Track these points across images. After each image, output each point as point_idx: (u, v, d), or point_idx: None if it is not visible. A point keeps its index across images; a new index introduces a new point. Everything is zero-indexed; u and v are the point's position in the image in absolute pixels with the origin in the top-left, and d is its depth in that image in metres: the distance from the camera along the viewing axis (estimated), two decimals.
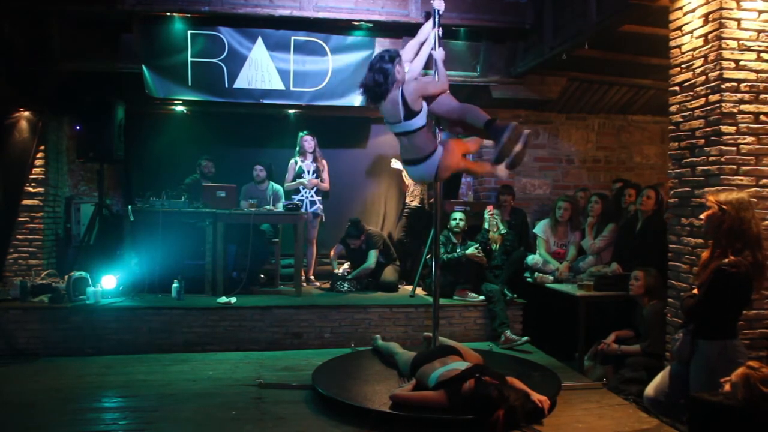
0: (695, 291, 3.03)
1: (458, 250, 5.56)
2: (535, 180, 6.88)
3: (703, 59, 3.60)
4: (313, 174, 6.41)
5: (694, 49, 3.68)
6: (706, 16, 3.57)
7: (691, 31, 3.70)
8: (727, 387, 2.54)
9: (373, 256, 6.12)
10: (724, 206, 2.85)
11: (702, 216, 3.04)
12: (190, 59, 5.66)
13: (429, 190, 6.36)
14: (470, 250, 5.48)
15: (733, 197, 2.88)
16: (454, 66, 6.03)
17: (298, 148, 6.47)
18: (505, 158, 3.53)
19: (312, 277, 6.49)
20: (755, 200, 3.40)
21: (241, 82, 5.78)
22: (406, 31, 5.78)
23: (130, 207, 5.51)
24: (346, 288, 5.91)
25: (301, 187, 6.39)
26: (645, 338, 4.37)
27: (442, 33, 4.08)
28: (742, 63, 3.47)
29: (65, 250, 6.48)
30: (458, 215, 5.72)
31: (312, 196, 6.41)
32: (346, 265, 6.48)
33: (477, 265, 5.48)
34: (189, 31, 5.61)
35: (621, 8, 4.25)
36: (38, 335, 4.84)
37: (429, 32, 3.99)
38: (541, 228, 5.90)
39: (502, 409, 3.02)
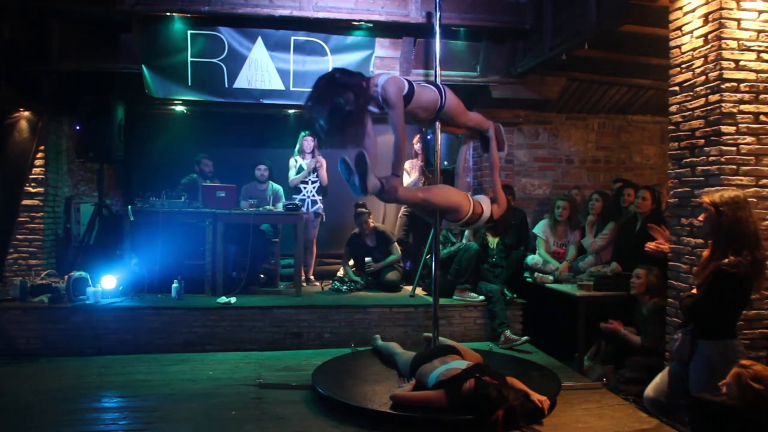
0: (694, 291, 3.03)
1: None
2: (535, 180, 6.88)
3: (703, 59, 3.60)
4: (313, 173, 6.43)
5: (694, 49, 3.68)
6: (706, 16, 3.57)
7: (691, 31, 3.70)
8: (724, 389, 2.54)
9: (396, 250, 6.23)
10: (721, 208, 2.85)
11: (700, 218, 3.04)
12: (190, 59, 5.66)
13: None
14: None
15: (728, 197, 2.87)
16: (454, 66, 6.04)
17: (298, 147, 6.48)
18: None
19: (312, 277, 6.50)
20: (755, 200, 3.41)
21: (241, 82, 5.78)
22: (405, 31, 5.79)
23: (129, 207, 5.50)
24: (345, 288, 5.92)
25: (302, 186, 6.40)
26: (646, 336, 4.36)
27: (441, 33, 4.11)
28: (742, 63, 3.47)
29: (65, 250, 6.47)
30: None
31: (313, 196, 6.42)
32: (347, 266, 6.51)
33: (474, 260, 5.46)
34: (189, 31, 5.60)
35: (621, 8, 4.25)
36: (38, 335, 4.84)
37: None
38: (540, 228, 5.90)
39: (502, 409, 3.02)
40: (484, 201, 3.92)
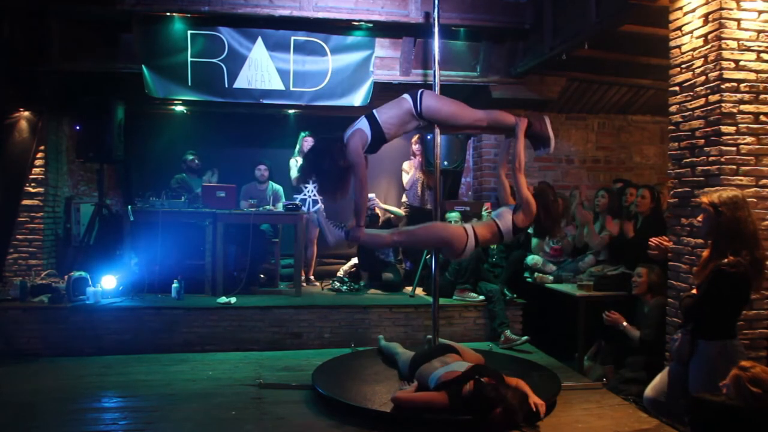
0: (694, 291, 3.04)
1: None
2: (535, 180, 6.79)
3: (703, 59, 3.61)
4: None
5: (694, 49, 3.68)
6: (706, 16, 3.57)
7: (691, 31, 3.70)
8: (724, 390, 2.54)
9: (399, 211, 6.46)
10: (720, 208, 2.85)
11: (699, 218, 3.04)
12: (189, 59, 5.67)
13: (428, 190, 6.37)
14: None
15: (726, 197, 2.87)
16: (453, 66, 6.05)
17: (298, 147, 6.49)
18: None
19: (312, 277, 6.50)
20: (755, 200, 3.41)
21: (241, 82, 5.78)
22: (405, 31, 5.80)
23: (129, 207, 5.50)
24: (345, 288, 5.92)
25: (302, 186, 6.40)
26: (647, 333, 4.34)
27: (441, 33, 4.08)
28: (742, 63, 3.48)
29: (65, 250, 6.47)
30: (454, 215, 5.69)
31: (314, 196, 6.42)
32: (347, 266, 6.49)
33: (474, 260, 5.45)
34: (189, 31, 5.61)
35: (621, 8, 4.26)
36: (38, 335, 4.84)
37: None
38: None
39: (500, 407, 3.02)
40: (504, 215, 3.77)
